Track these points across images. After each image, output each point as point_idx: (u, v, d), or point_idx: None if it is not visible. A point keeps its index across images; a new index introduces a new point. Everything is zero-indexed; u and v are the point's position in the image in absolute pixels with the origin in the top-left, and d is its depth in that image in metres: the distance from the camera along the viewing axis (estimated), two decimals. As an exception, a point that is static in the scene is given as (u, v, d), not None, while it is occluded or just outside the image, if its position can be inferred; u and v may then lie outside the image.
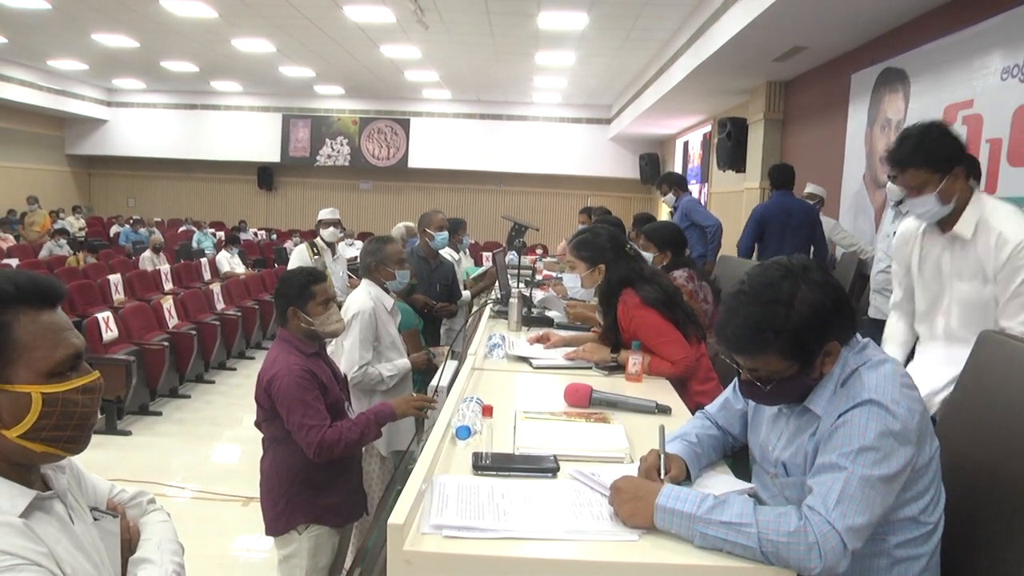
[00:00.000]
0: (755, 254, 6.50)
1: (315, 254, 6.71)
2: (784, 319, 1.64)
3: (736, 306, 1.70)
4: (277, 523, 3.11)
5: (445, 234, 5.70)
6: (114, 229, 16.87)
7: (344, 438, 3.00)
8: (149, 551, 1.49)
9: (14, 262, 10.89)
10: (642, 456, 1.90)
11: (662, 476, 1.78)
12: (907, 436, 1.59)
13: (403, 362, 4.01)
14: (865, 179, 7.43)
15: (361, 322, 3.82)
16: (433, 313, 5.43)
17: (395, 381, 3.91)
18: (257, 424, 3.18)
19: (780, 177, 6.53)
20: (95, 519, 1.44)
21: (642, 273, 3.26)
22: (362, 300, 3.91)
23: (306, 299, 3.09)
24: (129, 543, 1.50)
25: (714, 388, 3.04)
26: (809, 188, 6.63)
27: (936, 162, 2.55)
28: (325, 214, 7.00)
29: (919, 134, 2.60)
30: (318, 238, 6.97)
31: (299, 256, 6.77)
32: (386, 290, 4.11)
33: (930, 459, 1.70)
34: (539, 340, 3.58)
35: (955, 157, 2.58)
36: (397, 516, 1.50)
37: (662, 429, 1.94)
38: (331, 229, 6.95)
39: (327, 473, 3.10)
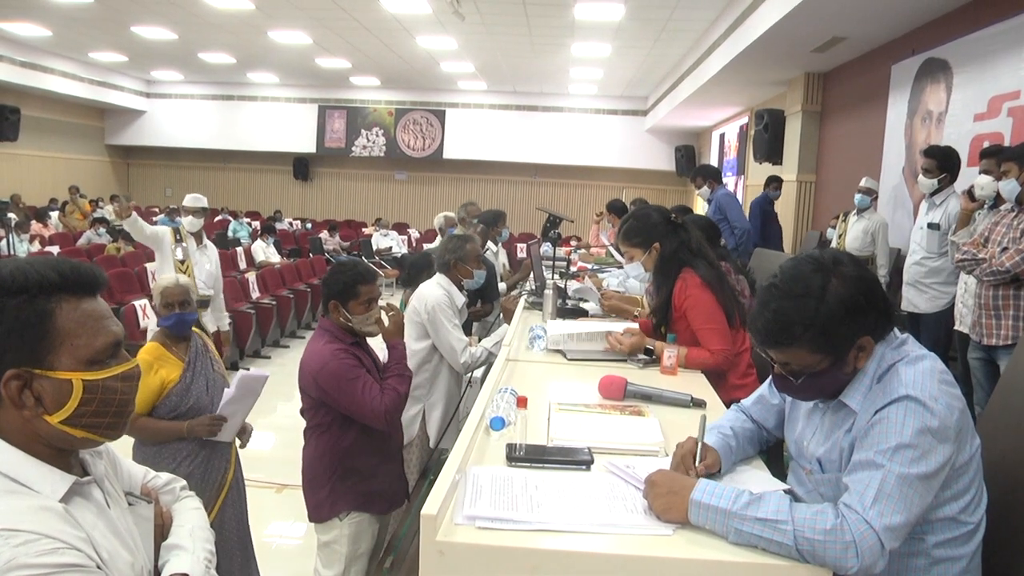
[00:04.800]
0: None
1: (178, 239, 6.14)
2: (813, 313, 1.63)
3: (767, 299, 1.70)
4: (320, 510, 3.14)
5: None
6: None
7: (400, 392, 3.07)
8: (181, 537, 1.51)
9: (55, 249, 11.10)
10: (678, 443, 1.88)
11: (697, 463, 1.78)
12: (945, 433, 1.56)
13: (501, 329, 4.09)
14: (904, 172, 7.31)
15: (443, 312, 3.88)
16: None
17: (500, 349, 3.94)
18: (302, 412, 3.21)
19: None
20: (129, 504, 1.45)
21: (690, 245, 3.24)
22: (436, 293, 3.95)
23: (349, 296, 3.09)
24: (162, 529, 1.51)
25: (752, 383, 3.01)
26: (865, 183, 6.45)
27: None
28: (188, 201, 6.37)
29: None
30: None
31: (158, 236, 6.12)
32: (461, 288, 4.13)
33: (971, 457, 1.67)
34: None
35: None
36: (430, 506, 1.49)
37: (703, 419, 1.93)
38: (189, 218, 6.29)
39: (371, 459, 3.13)
